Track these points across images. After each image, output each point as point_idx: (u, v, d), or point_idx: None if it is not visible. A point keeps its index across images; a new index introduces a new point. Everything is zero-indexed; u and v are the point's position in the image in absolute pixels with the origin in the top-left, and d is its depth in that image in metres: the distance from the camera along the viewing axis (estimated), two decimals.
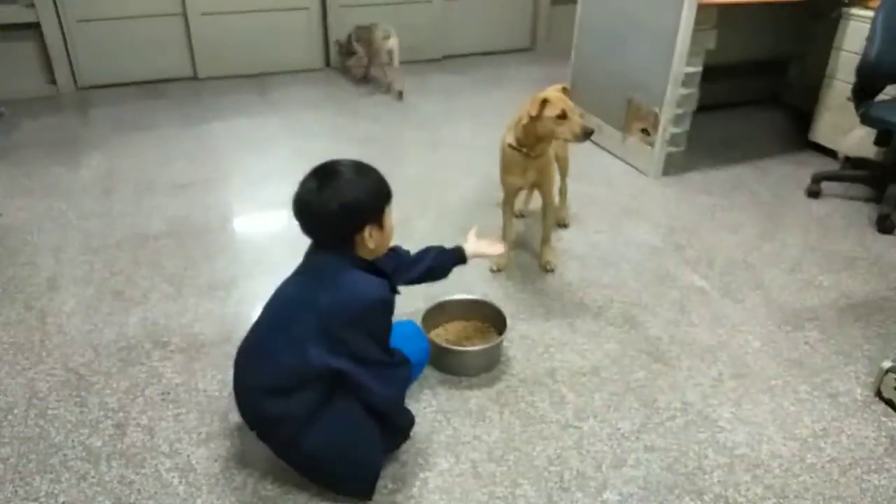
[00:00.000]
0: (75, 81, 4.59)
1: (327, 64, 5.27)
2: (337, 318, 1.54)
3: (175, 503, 1.68)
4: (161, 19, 4.66)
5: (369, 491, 1.68)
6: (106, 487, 1.72)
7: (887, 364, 2.03)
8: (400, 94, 4.53)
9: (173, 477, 1.75)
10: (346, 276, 1.57)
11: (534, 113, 2.25)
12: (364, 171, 1.63)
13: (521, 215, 3.01)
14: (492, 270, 2.62)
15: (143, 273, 2.61)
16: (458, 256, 2.05)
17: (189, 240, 2.84)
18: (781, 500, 1.72)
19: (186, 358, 2.17)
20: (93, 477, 1.75)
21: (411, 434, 1.83)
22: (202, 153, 3.70)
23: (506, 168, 2.48)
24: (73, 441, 1.86)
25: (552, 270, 2.65)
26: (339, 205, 1.54)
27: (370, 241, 1.62)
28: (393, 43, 4.35)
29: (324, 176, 1.58)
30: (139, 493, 1.70)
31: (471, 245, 2.09)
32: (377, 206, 1.63)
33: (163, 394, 2.02)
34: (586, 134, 2.26)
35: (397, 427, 1.76)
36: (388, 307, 1.64)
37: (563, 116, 2.25)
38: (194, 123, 4.10)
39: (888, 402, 2.02)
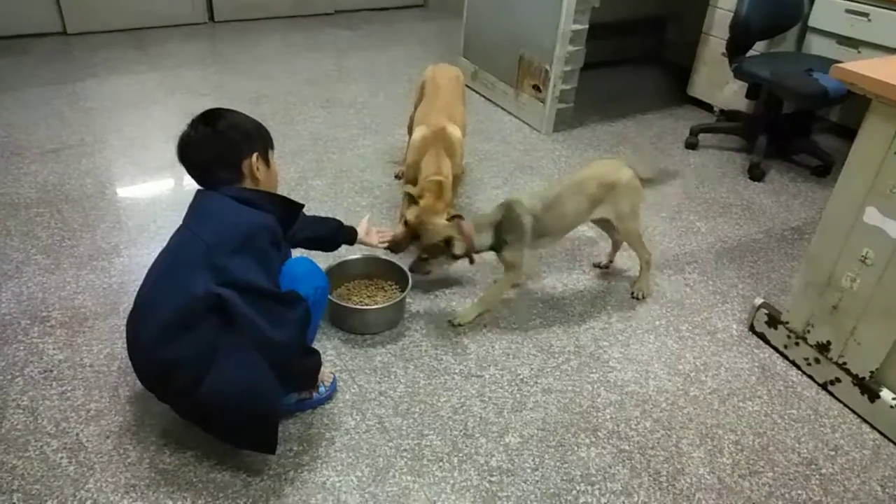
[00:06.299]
0: None
1: (211, 18, 4.98)
2: (223, 245, 1.52)
3: (65, 485, 1.59)
4: None
5: (271, 440, 1.60)
6: None
7: (759, 301, 2.20)
8: None
9: (61, 458, 1.65)
10: (230, 207, 1.60)
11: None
12: (246, 115, 1.74)
13: None
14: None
15: (14, 244, 2.41)
16: (350, 237, 2.17)
17: (65, 208, 2.65)
18: (668, 432, 1.84)
19: (69, 332, 2.03)
20: None
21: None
22: (75, 114, 3.43)
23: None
24: None
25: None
26: (229, 125, 1.65)
27: (258, 174, 1.69)
28: None
29: (210, 114, 1.67)
30: (23, 477, 1.59)
31: (362, 231, 2.21)
32: (263, 136, 1.73)
33: (44, 372, 1.89)
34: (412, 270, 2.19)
35: (299, 371, 1.68)
36: (274, 236, 1.61)
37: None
38: (65, 82, 3.78)
39: (760, 336, 2.20)
